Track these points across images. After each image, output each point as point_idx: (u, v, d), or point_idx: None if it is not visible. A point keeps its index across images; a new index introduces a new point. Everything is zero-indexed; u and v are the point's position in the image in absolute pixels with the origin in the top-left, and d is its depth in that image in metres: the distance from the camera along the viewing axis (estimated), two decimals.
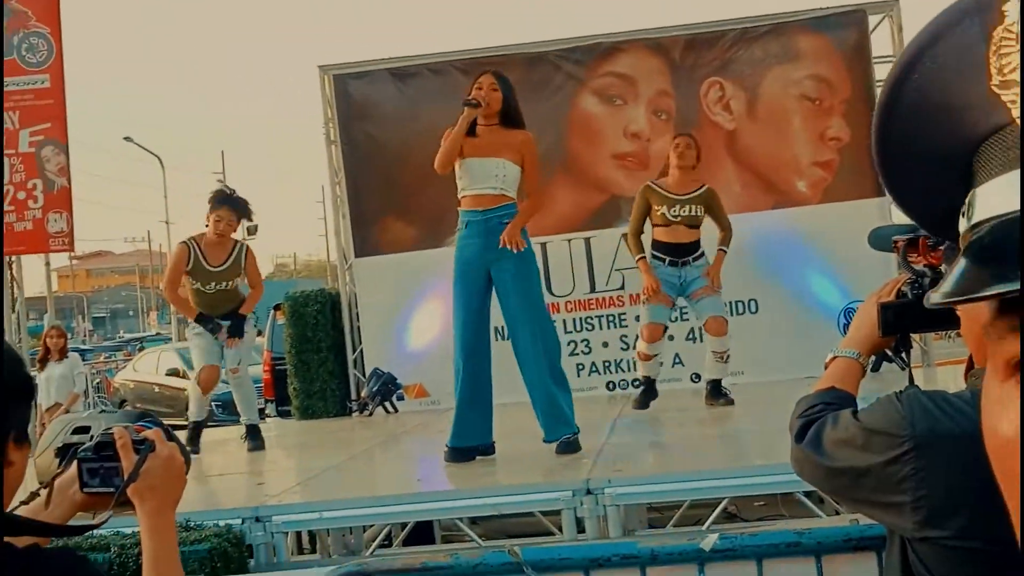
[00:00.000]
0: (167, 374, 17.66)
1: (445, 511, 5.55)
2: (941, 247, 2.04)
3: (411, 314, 9.96)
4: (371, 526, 6.43)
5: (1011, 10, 0.66)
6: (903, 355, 2.10)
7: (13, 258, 9.68)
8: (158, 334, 45.11)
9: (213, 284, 7.52)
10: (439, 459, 6.10)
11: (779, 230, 9.61)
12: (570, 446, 5.92)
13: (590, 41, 10.06)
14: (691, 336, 9.54)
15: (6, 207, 8.85)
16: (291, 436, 9.44)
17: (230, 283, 7.61)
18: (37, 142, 8.92)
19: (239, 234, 8.06)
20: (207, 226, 7.56)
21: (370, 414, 9.82)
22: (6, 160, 8.85)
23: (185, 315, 7.73)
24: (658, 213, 7.71)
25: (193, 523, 4.80)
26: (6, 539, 1.46)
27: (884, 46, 9.93)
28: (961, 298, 0.65)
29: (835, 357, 2.04)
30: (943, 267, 1.92)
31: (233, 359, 7.59)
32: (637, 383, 8.36)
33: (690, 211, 7.70)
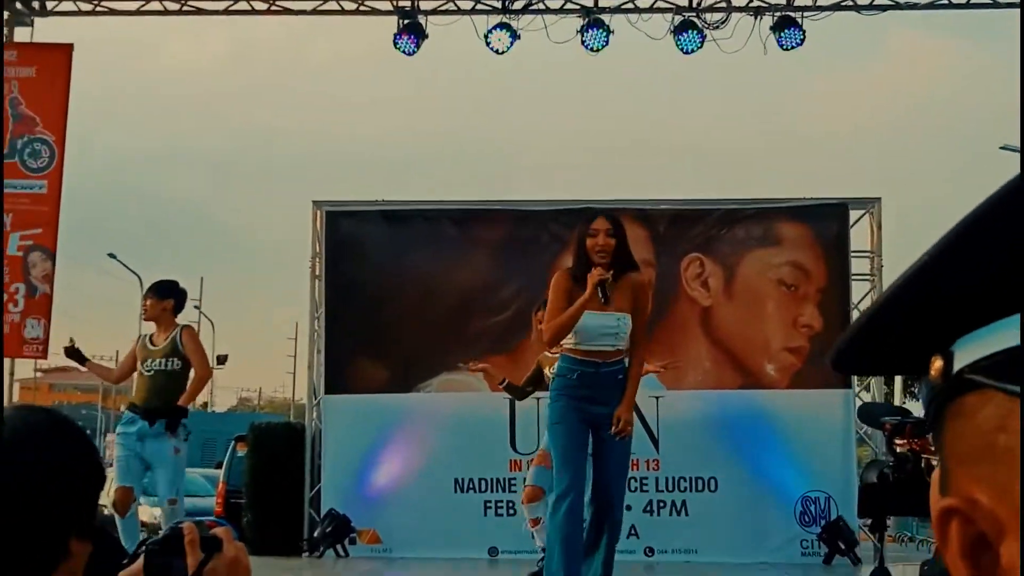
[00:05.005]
0: None
1: None
2: (927, 434, 1.95)
3: (374, 458, 9.89)
4: None
5: None
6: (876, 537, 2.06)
7: None
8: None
9: (150, 362, 7.27)
10: None
11: (745, 411, 9.65)
12: None
13: (579, 206, 10.27)
14: (648, 508, 9.51)
15: None
16: None
17: (167, 363, 7.28)
18: (26, 247, 8.99)
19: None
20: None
21: (320, 555, 9.68)
22: None
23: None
24: None
25: None
26: None
27: (863, 240, 10.18)
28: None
29: None
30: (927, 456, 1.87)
31: (168, 488, 7.15)
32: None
33: None
